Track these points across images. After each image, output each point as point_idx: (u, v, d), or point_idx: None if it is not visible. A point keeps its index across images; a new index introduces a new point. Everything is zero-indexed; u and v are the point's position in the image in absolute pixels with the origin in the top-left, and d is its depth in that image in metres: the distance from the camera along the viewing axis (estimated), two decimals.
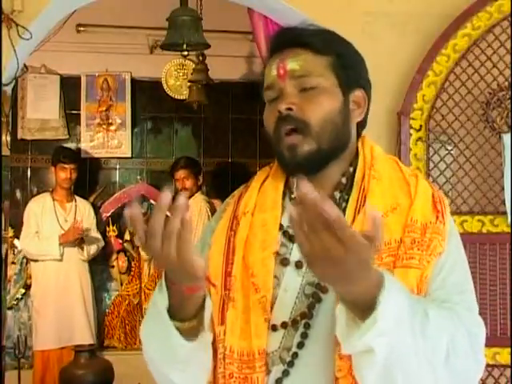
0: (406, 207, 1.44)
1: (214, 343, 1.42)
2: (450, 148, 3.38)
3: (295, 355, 1.40)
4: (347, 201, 1.47)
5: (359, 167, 1.50)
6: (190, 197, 5.57)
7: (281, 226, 1.47)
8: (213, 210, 5.53)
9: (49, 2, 3.24)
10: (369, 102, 1.56)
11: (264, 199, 1.51)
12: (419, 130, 3.33)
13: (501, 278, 3.27)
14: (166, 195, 1.12)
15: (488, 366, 3.27)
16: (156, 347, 1.37)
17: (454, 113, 3.34)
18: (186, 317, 1.31)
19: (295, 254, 1.44)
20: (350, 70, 1.50)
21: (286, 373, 1.40)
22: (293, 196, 1.50)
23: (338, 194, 1.48)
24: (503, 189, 3.29)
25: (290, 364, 1.40)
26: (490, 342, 3.23)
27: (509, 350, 3.22)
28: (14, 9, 3.16)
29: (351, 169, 1.50)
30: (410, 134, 3.32)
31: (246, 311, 1.41)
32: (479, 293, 3.24)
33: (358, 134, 1.55)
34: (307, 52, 1.47)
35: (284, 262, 1.45)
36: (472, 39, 3.32)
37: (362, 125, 1.55)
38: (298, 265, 1.44)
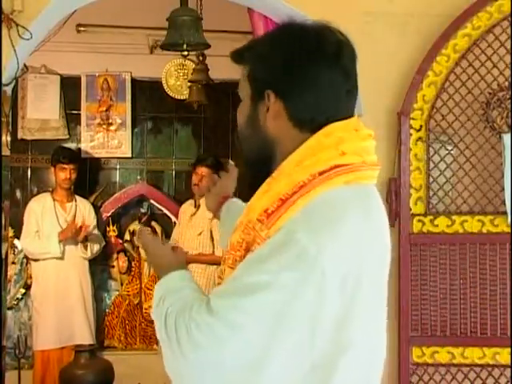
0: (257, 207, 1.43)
1: None
2: (450, 148, 3.38)
3: None
4: None
5: None
6: (201, 195, 5.55)
7: None
8: None
9: (49, 2, 3.24)
10: (287, 99, 1.44)
11: None
12: (419, 129, 3.33)
13: (501, 278, 3.27)
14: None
15: (488, 365, 3.28)
16: None
17: (454, 113, 3.34)
18: None
19: None
20: (256, 73, 1.49)
21: None
22: None
23: None
24: (503, 189, 3.29)
25: None
26: (491, 342, 3.25)
27: (509, 350, 3.22)
28: (14, 9, 3.16)
29: None
30: (410, 134, 3.32)
31: None
32: (479, 293, 3.25)
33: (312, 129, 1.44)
34: (238, 64, 1.56)
35: None
36: (472, 39, 3.32)
37: (298, 122, 1.44)
38: None
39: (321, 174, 1.36)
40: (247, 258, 1.35)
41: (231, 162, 1.99)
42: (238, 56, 1.55)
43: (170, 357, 1.35)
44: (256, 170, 1.50)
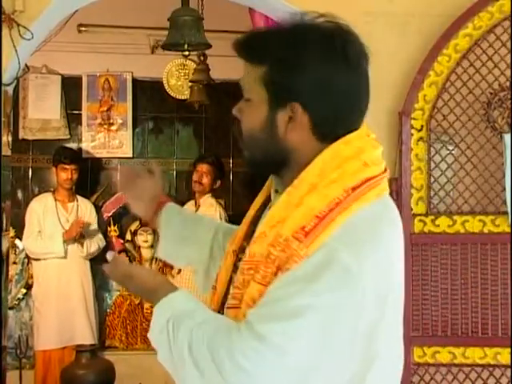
0: (285, 219, 1.37)
1: None
2: (451, 148, 3.38)
3: None
4: None
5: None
6: (201, 194, 5.57)
7: (259, 221, 1.52)
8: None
9: (50, 2, 3.24)
10: (314, 112, 1.41)
11: (258, 197, 1.60)
12: (420, 130, 3.32)
13: (502, 278, 3.26)
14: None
15: (489, 366, 3.27)
16: None
17: (456, 113, 3.34)
18: None
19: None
20: (280, 82, 1.40)
21: None
22: (276, 188, 1.54)
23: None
24: (504, 189, 3.29)
25: None
26: (492, 342, 3.25)
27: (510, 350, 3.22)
28: (16, 9, 3.16)
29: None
30: (411, 134, 3.32)
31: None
32: (481, 293, 3.24)
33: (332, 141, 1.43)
34: (247, 62, 1.47)
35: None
36: (473, 39, 3.32)
37: (320, 134, 1.42)
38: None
39: (354, 189, 1.36)
40: (286, 277, 1.31)
41: (154, 164, 1.85)
42: (249, 52, 1.45)
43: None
44: (260, 172, 1.50)
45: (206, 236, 1.78)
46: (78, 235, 5.45)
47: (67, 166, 5.57)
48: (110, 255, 1.48)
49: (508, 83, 3.33)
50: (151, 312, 1.44)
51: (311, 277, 1.28)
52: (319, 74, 1.39)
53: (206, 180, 5.60)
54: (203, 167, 5.63)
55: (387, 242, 1.38)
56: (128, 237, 6.28)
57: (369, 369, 1.35)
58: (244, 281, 1.38)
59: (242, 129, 1.47)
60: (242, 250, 1.50)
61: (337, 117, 1.42)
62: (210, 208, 5.47)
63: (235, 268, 1.49)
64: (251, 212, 1.57)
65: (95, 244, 5.66)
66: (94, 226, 5.75)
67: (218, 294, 1.52)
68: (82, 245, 5.52)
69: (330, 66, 1.40)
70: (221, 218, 5.34)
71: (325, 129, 1.41)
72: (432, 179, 3.34)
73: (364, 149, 1.43)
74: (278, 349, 1.25)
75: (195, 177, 5.60)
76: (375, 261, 1.32)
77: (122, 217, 6.32)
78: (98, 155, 6.37)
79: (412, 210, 3.30)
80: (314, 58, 1.39)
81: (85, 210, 5.72)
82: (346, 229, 1.32)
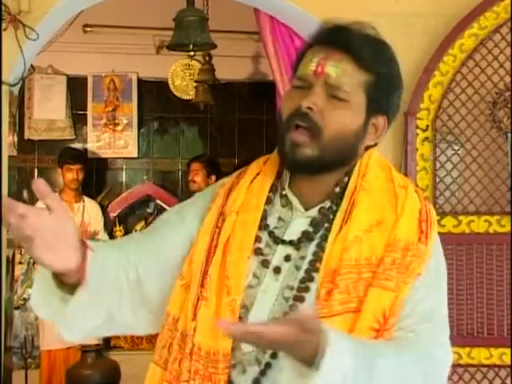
0: (390, 223, 1.43)
1: (185, 336, 1.43)
2: (456, 148, 3.37)
3: (268, 365, 1.39)
4: (335, 212, 1.46)
5: (353, 178, 1.48)
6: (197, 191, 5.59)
7: (266, 226, 1.47)
8: None
9: (55, 2, 3.24)
10: (387, 128, 1.53)
11: (250, 199, 1.50)
12: (426, 130, 3.32)
13: (507, 279, 3.26)
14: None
15: (495, 366, 3.27)
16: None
17: (461, 113, 3.33)
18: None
19: (276, 258, 1.45)
20: (383, 95, 1.46)
21: (263, 373, 1.39)
22: (283, 193, 1.50)
23: (328, 203, 1.48)
24: (510, 189, 3.29)
25: (262, 373, 1.39)
26: (497, 343, 3.24)
27: None
28: (21, 9, 3.17)
29: (346, 179, 1.49)
30: (417, 134, 3.32)
31: (218, 312, 1.41)
32: (486, 293, 3.24)
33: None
34: (350, 61, 1.44)
35: (265, 263, 1.45)
36: (479, 39, 3.31)
37: (371, 146, 1.53)
38: (277, 270, 1.44)
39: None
40: (428, 283, 1.44)
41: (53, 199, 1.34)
42: (362, 55, 1.44)
43: None
44: (312, 170, 1.46)
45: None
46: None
47: (72, 167, 5.58)
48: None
49: None
50: None
51: (443, 284, 1.52)
52: (401, 92, 1.52)
53: (198, 178, 5.69)
54: (195, 165, 5.73)
55: None
56: None
57: None
58: (351, 286, 1.38)
59: (319, 124, 1.41)
60: (259, 253, 1.45)
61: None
62: None
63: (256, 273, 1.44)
64: (255, 216, 1.48)
65: None
66: (101, 228, 5.75)
67: (237, 305, 1.42)
68: None
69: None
70: None
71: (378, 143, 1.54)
72: (437, 179, 3.33)
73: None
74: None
75: (190, 176, 5.73)
76: None
77: (128, 217, 6.33)
78: (103, 155, 6.38)
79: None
80: (400, 77, 1.52)
81: (91, 210, 5.73)
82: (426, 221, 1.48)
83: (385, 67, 1.46)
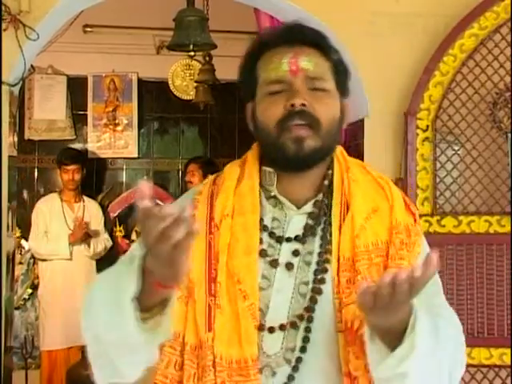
0: (386, 209, 1.49)
1: (197, 349, 1.40)
2: (456, 148, 3.37)
3: (299, 359, 1.40)
4: (328, 204, 1.49)
5: (336, 170, 1.52)
6: None
7: (265, 227, 1.48)
8: None
9: (56, 2, 3.24)
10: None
11: (242, 201, 1.49)
12: (426, 130, 3.32)
13: (508, 279, 3.26)
14: (171, 208, 1.09)
15: (495, 366, 3.27)
16: (108, 328, 1.30)
17: (461, 113, 3.33)
18: (145, 307, 1.25)
19: (284, 255, 1.46)
20: (343, 79, 1.54)
21: (291, 377, 1.40)
22: (272, 194, 1.50)
23: (320, 197, 1.50)
24: (510, 189, 3.28)
25: (295, 368, 1.40)
26: (497, 343, 3.24)
27: None
28: (21, 9, 3.17)
29: (330, 172, 1.52)
30: (417, 134, 3.32)
31: (234, 318, 1.40)
32: (486, 293, 3.24)
33: None
34: (316, 53, 1.49)
35: (274, 263, 1.45)
36: (479, 39, 3.31)
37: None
38: (289, 267, 1.45)
39: None
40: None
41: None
42: (324, 43, 1.52)
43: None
44: (312, 163, 1.48)
45: None
46: (84, 236, 5.46)
47: (68, 168, 5.59)
48: None
49: None
50: None
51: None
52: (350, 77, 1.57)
53: (195, 179, 5.67)
54: (191, 167, 5.71)
55: None
56: (134, 237, 6.28)
57: None
58: (366, 272, 1.42)
59: (316, 117, 1.44)
60: (264, 254, 1.45)
61: None
62: None
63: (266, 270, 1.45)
64: (254, 218, 1.47)
65: (102, 244, 5.67)
66: (101, 228, 5.75)
67: (257, 308, 1.41)
68: (89, 245, 5.53)
69: None
70: None
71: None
72: (437, 179, 3.33)
73: None
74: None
75: (186, 177, 5.71)
76: None
77: (128, 217, 6.33)
78: (103, 155, 6.38)
79: (417, 210, 3.29)
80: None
81: (91, 210, 5.73)
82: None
83: (337, 54, 1.54)
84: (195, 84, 6.09)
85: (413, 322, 1.25)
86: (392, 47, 3.41)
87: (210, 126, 6.54)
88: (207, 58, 5.83)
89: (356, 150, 3.50)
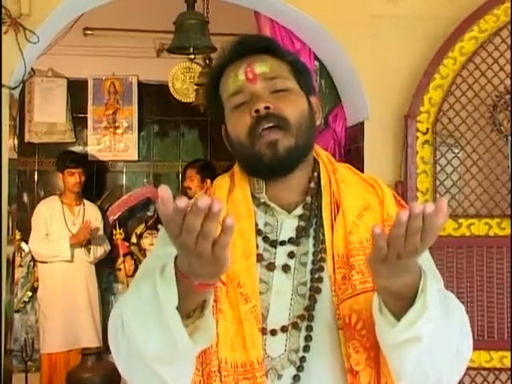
0: (377, 205, 1.49)
1: (202, 355, 1.38)
2: (456, 151, 3.37)
3: (303, 359, 1.41)
4: (318, 206, 1.51)
5: (323, 172, 1.54)
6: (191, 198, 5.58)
7: (260, 232, 1.49)
8: None
9: (56, 5, 3.25)
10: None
11: (236, 208, 1.50)
12: (426, 133, 3.32)
13: (508, 281, 3.26)
14: (205, 199, 1.07)
15: (495, 369, 3.27)
16: (154, 341, 1.25)
17: (461, 116, 3.34)
18: (184, 313, 1.23)
19: (280, 258, 1.47)
20: (305, 76, 1.55)
21: (297, 378, 1.40)
22: (262, 201, 1.51)
23: (309, 199, 1.51)
24: (510, 192, 3.29)
25: (300, 368, 1.41)
26: (497, 346, 3.24)
27: None
28: (22, 12, 3.17)
29: (315, 174, 1.54)
30: (417, 137, 3.32)
31: (237, 322, 1.40)
32: (486, 296, 3.24)
33: None
34: (270, 57, 1.52)
35: (270, 266, 1.46)
36: (479, 42, 3.31)
37: (318, 131, 1.60)
38: (286, 268, 1.46)
39: None
40: None
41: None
42: (276, 49, 1.55)
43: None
44: (291, 164, 1.49)
45: None
46: (86, 241, 5.46)
47: (74, 170, 5.58)
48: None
49: None
50: None
51: None
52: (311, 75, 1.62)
53: (193, 184, 5.65)
54: (189, 172, 5.70)
55: None
56: (133, 240, 6.29)
57: None
58: (363, 267, 1.41)
59: (284, 117, 1.45)
60: (261, 258, 1.46)
61: None
62: None
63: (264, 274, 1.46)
64: (250, 223, 1.48)
65: (101, 249, 5.67)
66: (101, 232, 5.75)
67: (259, 310, 1.41)
68: (89, 250, 5.52)
69: None
70: None
71: (320, 125, 1.62)
72: (437, 182, 3.33)
73: None
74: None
75: (185, 183, 5.69)
76: None
77: (128, 220, 6.33)
78: (103, 158, 6.38)
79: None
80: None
81: (91, 213, 5.73)
82: None
83: (292, 56, 1.57)
84: (195, 87, 6.08)
85: (423, 285, 1.23)
86: (392, 50, 3.42)
87: (210, 129, 6.54)
88: (207, 61, 5.82)
89: (356, 152, 3.50)
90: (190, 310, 1.25)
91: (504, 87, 3.33)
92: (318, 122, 1.55)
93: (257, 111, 1.44)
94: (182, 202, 1.07)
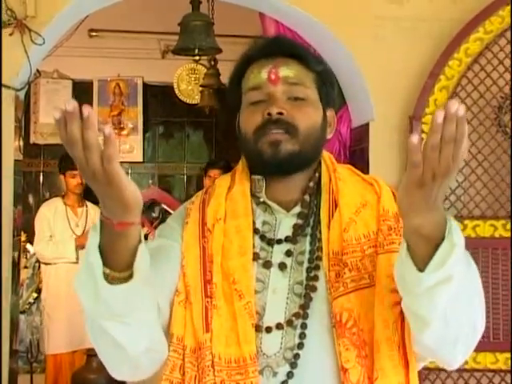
0: (374, 202, 1.51)
1: (196, 351, 1.41)
2: None
3: (297, 356, 1.41)
4: (317, 204, 1.52)
5: (324, 172, 1.56)
6: None
7: (257, 231, 1.50)
8: None
9: (61, 7, 3.25)
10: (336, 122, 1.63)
11: (234, 206, 1.52)
12: None
13: None
14: (72, 103, 1.12)
15: (501, 371, 3.26)
16: (87, 296, 1.30)
17: (466, 117, 3.32)
18: (117, 264, 1.24)
19: (277, 256, 1.48)
20: (328, 88, 1.56)
21: (290, 374, 1.41)
22: (261, 200, 1.53)
23: (307, 198, 1.53)
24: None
25: (293, 365, 1.41)
26: (503, 347, 3.23)
27: None
28: (27, 14, 3.18)
29: (317, 174, 1.56)
30: (422, 139, 3.31)
31: (231, 318, 1.41)
32: (492, 297, 3.23)
33: None
34: (297, 63, 1.52)
35: (267, 264, 1.47)
36: (484, 43, 3.31)
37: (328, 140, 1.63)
38: (282, 266, 1.47)
39: None
40: None
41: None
42: (305, 55, 1.54)
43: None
44: (293, 169, 1.51)
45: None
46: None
47: (76, 172, 5.58)
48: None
49: None
50: None
51: None
52: (336, 87, 1.61)
53: None
54: (215, 173, 5.62)
55: None
56: None
57: None
58: (359, 264, 1.43)
59: (294, 124, 1.46)
60: (257, 257, 1.47)
61: None
62: None
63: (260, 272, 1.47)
64: (247, 221, 1.49)
65: None
66: None
67: (253, 307, 1.42)
68: None
69: None
70: None
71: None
72: None
73: None
74: None
75: (208, 182, 5.62)
76: None
77: None
78: None
79: None
80: (333, 73, 1.63)
81: (94, 215, 5.73)
82: None
83: (321, 65, 1.57)
84: (200, 88, 6.10)
85: (449, 227, 1.23)
86: (397, 51, 3.42)
87: (215, 130, 6.55)
88: (212, 63, 5.83)
89: (361, 153, 3.50)
90: (124, 262, 1.25)
91: (509, 89, 3.32)
92: (329, 136, 1.57)
93: (269, 114, 1.46)
94: (70, 105, 1.14)
